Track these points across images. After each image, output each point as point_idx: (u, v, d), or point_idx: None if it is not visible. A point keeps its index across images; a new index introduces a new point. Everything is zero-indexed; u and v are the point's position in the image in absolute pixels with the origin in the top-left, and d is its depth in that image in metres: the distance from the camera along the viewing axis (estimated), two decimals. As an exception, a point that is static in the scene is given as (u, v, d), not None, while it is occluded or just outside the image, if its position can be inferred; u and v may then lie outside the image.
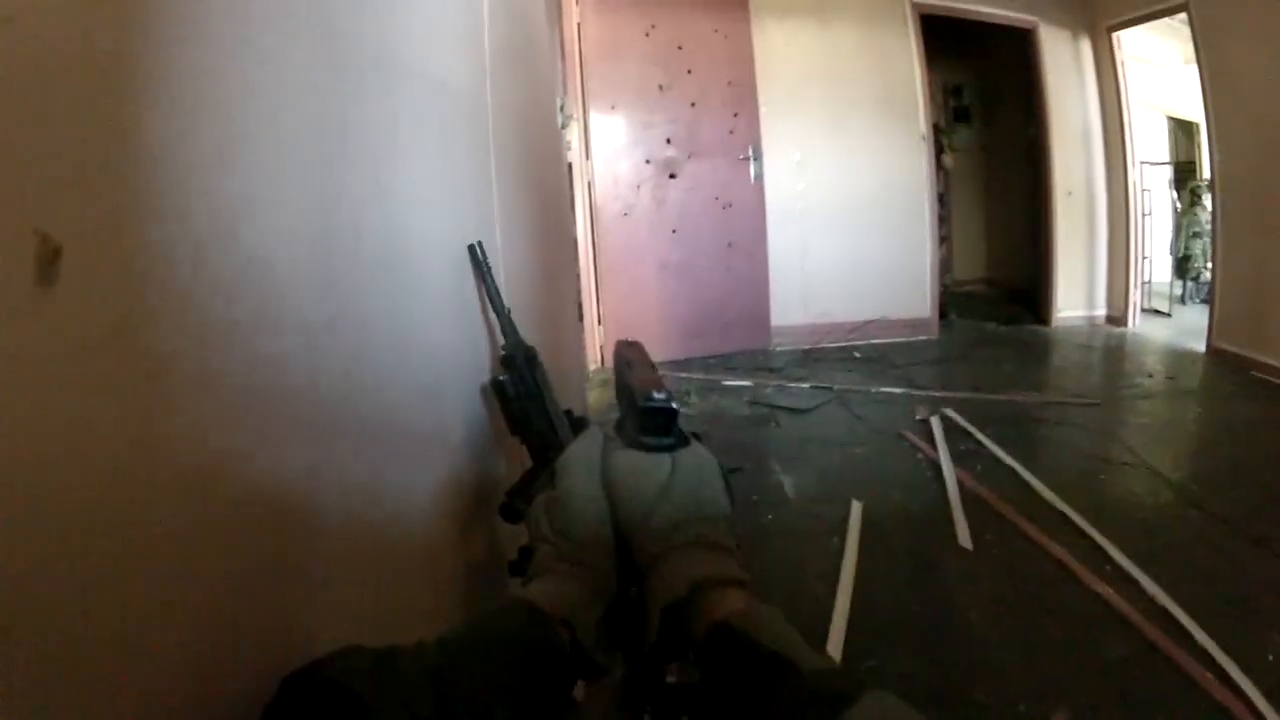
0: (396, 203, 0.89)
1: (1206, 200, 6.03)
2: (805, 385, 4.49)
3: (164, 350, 0.43)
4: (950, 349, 5.57)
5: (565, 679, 0.57)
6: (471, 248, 1.24)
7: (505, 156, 1.64)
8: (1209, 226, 5.65)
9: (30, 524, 0.32)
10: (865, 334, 5.70)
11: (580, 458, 0.71)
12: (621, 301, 5.09)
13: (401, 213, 0.90)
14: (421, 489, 0.95)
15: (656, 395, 0.72)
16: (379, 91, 0.85)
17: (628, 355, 0.84)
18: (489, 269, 1.27)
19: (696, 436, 0.75)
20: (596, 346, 5.14)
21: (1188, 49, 5.28)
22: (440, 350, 1.07)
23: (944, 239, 6.30)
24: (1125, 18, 5.96)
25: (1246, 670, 1.92)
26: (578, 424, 1.45)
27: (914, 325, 5.89)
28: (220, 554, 0.48)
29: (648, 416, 0.71)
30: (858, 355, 5.35)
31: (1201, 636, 2.07)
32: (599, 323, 5.14)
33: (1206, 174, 5.70)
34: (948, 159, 6.48)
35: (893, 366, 4.98)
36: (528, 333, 1.31)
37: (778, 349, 5.45)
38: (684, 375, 4.75)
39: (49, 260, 0.34)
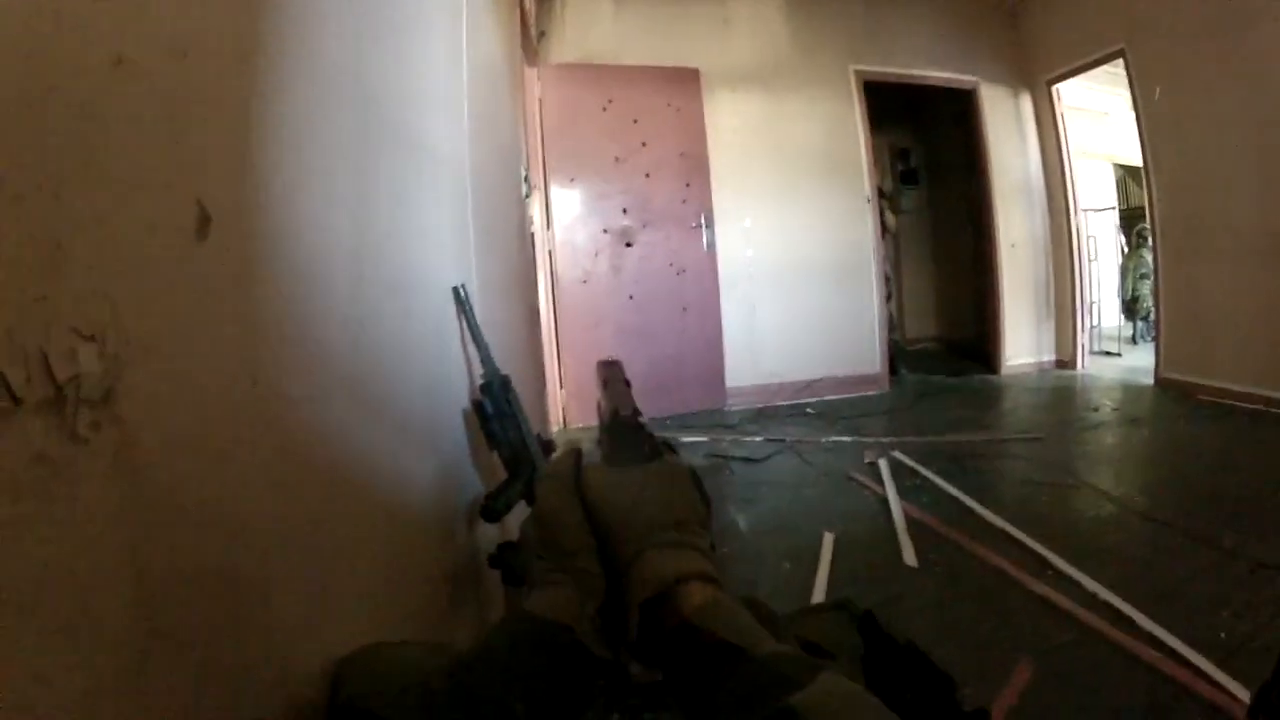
0: (403, 241, 1.09)
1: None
2: (758, 438, 4.68)
3: (263, 306, 0.64)
4: (899, 400, 5.77)
5: (574, 675, 0.61)
6: (455, 289, 1.44)
7: (480, 217, 1.85)
8: (1156, 267, 5.79)
9: (174, 400, 0.52)
10: (816, 391, 5.90)
11: (554, 476, 0.73)
12: (581, 365, 5.26)
13: (405, 250, 1.11)
14: (423, 477, 1.14)
15: (622, 413, 0.76)
16: (396, 152, 1.06)
17: (604, 374, 0.87)
18: (470, 308, 1.46)
19: (670, 447, 0.77)
20: (559, 408, 5.30)
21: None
22: (433, 368, 1.26)
23: (889, 296, 6.52)
24: (1063, 70, 6.24)
25: (1195, 646, 1.98)
26: (546, 446, 1.64)
27: (863, 381, 6.09)
28: (279, 484, 0.67)
29: (615, 433, 0.76)
30: (809, 410, 5.54)
31: (1145, 622, 2.13)
32: (560, 386, 5.30)
33: (1153, 215, 5.98)
34: (890, 219, 6.71)
35: (842, 418, 5.17)
36: (500, 366, 1.51)
37: (732, 408, 5.63)
38: (642, 434, 4.89)
39: (203, 223, 0.54)
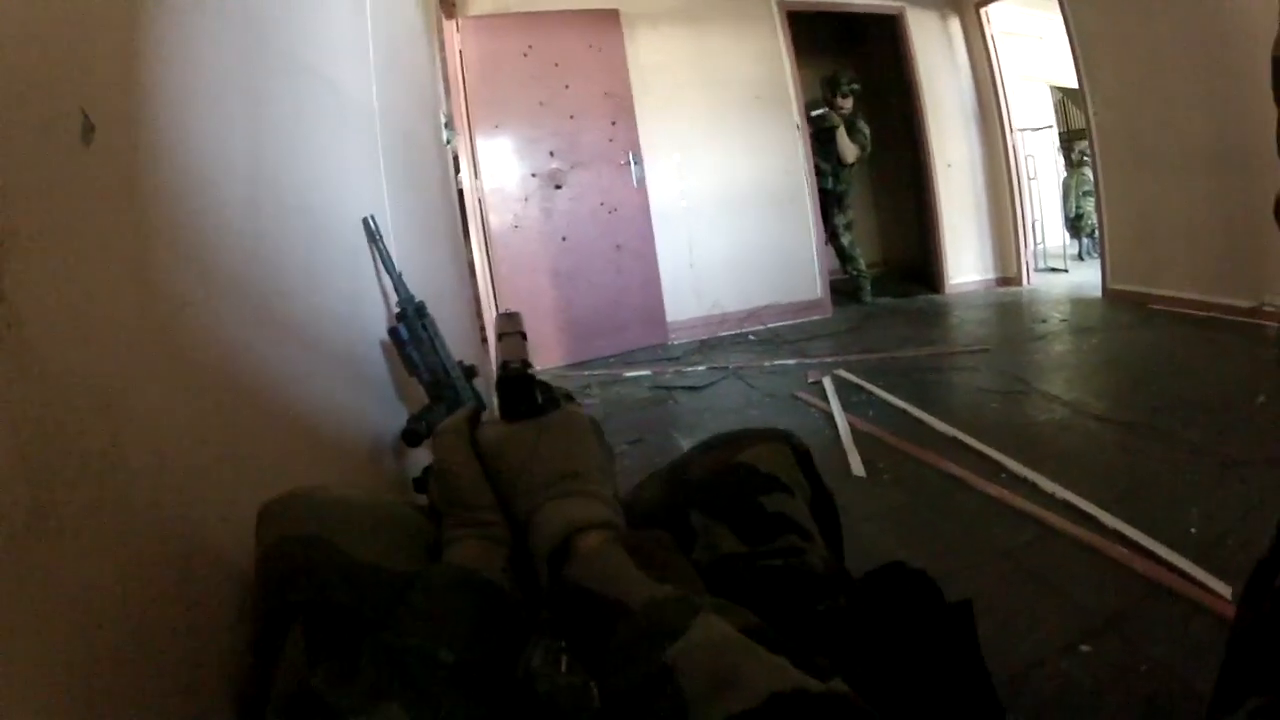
0: (303, 165, 1.12)
1: (1094, 160, 6.29)
2: (701, 368, 4.73)
3: (151, 210, 0.68)
4: (843, 323, 5.84)
5: (497, 620, 0.61)
6: (365, 220, 1.46)
7: (392, 153, 1.86)
8: (1097, 183, 5.98)
9: (61, 288, 0.56)
10: (760, 319, 5.93)
11: (447, 431, 0.73)
12: (519, 311, 5.26)
13: (306, 175, 1.13)
14: (344, 401, 1.18)
15: (511, 365, 0.74)
16: (291, 82, 1.09)
17: (500, 327, 0.87)
18: (381, 237, 1.49)
19: (569, 397, 0.78)
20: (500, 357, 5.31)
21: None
22: (347, 297, 1.30)
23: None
24: (989, -9, 6.20)
25: (1166, 544, 1.91)
26: (469, 371, 1.68)
27: (807, 307, 6.13)
28: (169, 379, 0.70)
29: (507, 387, 0.74)
30: (752, 338, 5.59)
31: (1109, 519, 2.08)
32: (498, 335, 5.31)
33: (1093, 134, 6.01)
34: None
35: (787, 343, 5.22)
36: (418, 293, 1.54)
37: (676, 341, 5.66)
38: (586, 373, 4.90)
39: (88, 130, 0.58)
